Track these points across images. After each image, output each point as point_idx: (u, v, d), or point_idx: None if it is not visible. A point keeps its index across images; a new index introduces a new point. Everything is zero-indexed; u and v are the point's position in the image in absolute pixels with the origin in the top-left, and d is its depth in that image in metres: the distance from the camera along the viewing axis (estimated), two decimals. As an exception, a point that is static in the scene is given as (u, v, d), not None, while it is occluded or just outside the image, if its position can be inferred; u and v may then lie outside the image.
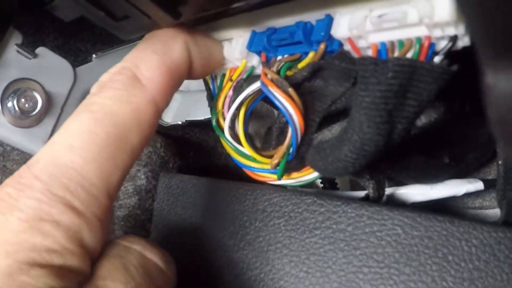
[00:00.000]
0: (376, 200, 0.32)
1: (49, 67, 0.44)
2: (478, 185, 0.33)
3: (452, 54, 0.23)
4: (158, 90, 0.27)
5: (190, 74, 0.30)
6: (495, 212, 0.35)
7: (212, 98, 0.34)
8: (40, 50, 0.44)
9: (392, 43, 0.24)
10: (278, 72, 0.29)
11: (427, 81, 0.23)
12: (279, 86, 0.28)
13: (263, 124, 0.42)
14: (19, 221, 0.23)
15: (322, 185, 0.43)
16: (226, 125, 0.32)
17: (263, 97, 0.31)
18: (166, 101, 0.28)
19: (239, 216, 0.35)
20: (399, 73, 0.23)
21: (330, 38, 0.27)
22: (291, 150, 0.29)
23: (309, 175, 0.31)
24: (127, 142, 0.26)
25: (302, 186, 0.32)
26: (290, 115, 0.28)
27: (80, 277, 0.24)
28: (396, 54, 0.24)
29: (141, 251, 0.27)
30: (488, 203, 0.36)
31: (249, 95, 0.31)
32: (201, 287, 0.36)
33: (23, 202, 0.24)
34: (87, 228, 0.25)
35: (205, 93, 0.35)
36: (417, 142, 0.30)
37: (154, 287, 0.26)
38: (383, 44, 0.24)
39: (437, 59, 0.23)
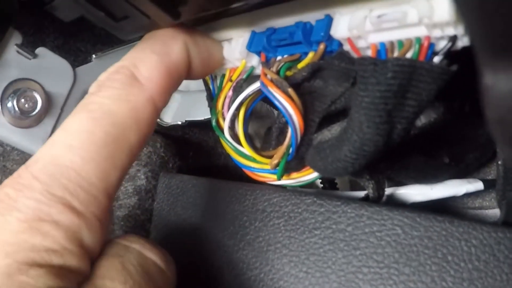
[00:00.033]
0: (376, 200, 0.32)
1: (49, 67, 0.44)
2: (478, 185, 0.33)
3: (451, 54, 0.23)
4: (157, 90, 0.27)
5: (189, 74, 0.30)
6: (495, 212, 0.35)
7: (212, 98, 0.34)
8: (40, 50, 0.44)
9: (391, 43, 0.24)
10: (277, 72, 0.29)
11: (427, 81, 0.23)
12: (279, 86, 0.28)
13: (262, 124, 0.42)
14: (18, 221, 0.23)
15: (321, 185, 0.43)
16: (226, 125, 0.32)
17: (262, 97, 0.31)
18: (164, 100, 0.28)
19: (238, 216, 0.35)
20: (399, 73, 0.23)
21: (329, 38, 0.27)
22: (290, 150, 0.29)
23: (309, 175, 0.31)
24: (126, 141, 0.26)
25: (301, 186, 0.32)
26: (290, 115, 0.28)
27: (79, 276, 0.24)
28: (396, 54, 0.24)
29: (140, 250, 0.27)
30: (487, 203, 0.36)
31: (249, 95, 0.31)
32: (201, 287, 0.36)
33: (22, 202, 0.24)
34: (86, 228, 0.25)
35: (204, 93, 0.35)
36: (416, 142, 0.30)
37: (154, 287, 0.26)
38: (382, 44, 0.24)
39: (436, 59, 0.23)
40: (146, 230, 0.45)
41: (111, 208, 0.28)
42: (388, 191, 0.33)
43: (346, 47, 0.27)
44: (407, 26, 0.24)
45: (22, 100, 0.42)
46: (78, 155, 0.25)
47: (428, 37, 0.23)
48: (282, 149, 0.30)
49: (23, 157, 0.47)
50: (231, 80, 0.32)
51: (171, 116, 0.50)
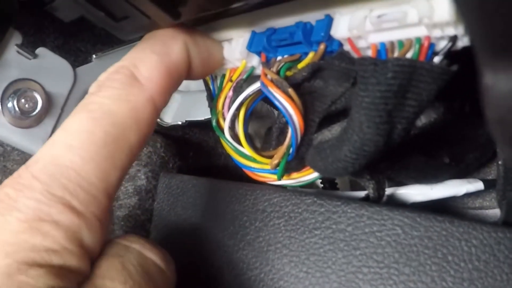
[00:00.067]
0: (376, 200, 0.32)
1: (49, 67, 0.44)
2: (478, 185, 0.33)
3: (451, 54, 0.23)
4: (157, 90, 0.27)
5: (189, 74, 0.30)
6: (495, 212, 0.35)
7: (212, 98, 0.34)
8: (40, 50, 0.44)
9: (391, 43, 0.24)
10: (278, 73, 0.29)
11: (427, 81, 0.23)
12: (279, 87, 0.28)
13: (263, 124, 0.42)
14: (18, 221, 0.23)
15: (322, 185, 0.43)
16: (226, 126, 0.32)
17: (263, 97, 0.31)
18: (164, 100, 0.28)
19: (239, 216, 0.35)
20: (399, 73, 0.23)
21: (330, 39, 0.27)
22: (291, 150, 0.29)
23: (309, 175, 0.31)
24: (126, 141, 0.26)
25: (302, 186, 0.32)
26: (290, 116, 0.28)
27: (79, 276, 0.24)
28: (396, 54, 0.24)
29: (140, 250, 0.27)
30: (488, 203, 0.36)
31: (249, 96, 0.31)
32: (201, 287, 0.36)
33: (22, 202, 0.24)
34: (86, 228, 0.25)
35: (204, 93, 0.35)
36: (417, 142, 0.30)
37: (153, 286, 0.26)
38: (382, 44, 0.24)
39: (436, 59, 0.23)
40: (146, 230, 0.45)
41: (111, 208, 0.28)
42: (388, 191, 0.33)
43: (346, 47, 0.27)
44: (407, 26, 0.24)
45: (23, 100, 0.42)
46: (78, 155, 0.25)
47: (428, 37, 0.23)
48: (282, 149, 0.30)
49: (24, 157, 0.47)
50: (231, 80, 0.32)
51: (171, 116, 0.50)
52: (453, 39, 0.23)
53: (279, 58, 0.29)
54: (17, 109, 0.42)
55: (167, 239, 0.41)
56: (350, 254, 0.29)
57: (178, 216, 0.40)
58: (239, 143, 0.32)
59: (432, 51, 0.24)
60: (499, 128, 0.17)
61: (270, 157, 0.31)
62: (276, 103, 0.28)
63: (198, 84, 0.48)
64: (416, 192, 0.33)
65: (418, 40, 0.23)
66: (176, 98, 0.51)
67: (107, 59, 0.48)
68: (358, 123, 0.24)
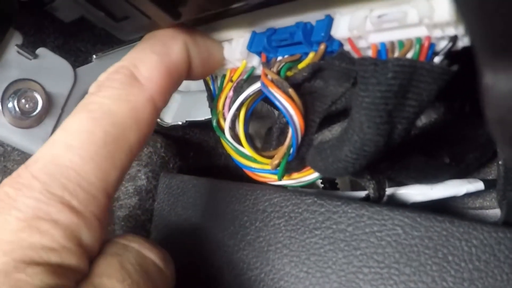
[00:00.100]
0: (377, 200, 0.32)
1: (50, 67, 0.44)
2: (478, 185, 0.33)
3: (452, 54, 0.23)
4: (157, 89, 0.27)
5: (189, 74, 0.30)
6: (496, 212, 0.35)
7: (212, 98, 0.34)
8: (41, 50, 0.44)
9: (392, 43, 0.24)
10: (278, 73, 0.29)
11: (427, 82, 0.23)
12: (279, 87, 0.28)
13: (263, 124, 0.42)
14: (17, 220, 0.23)
15: (322, 185, 0.43)
16: (226, 126, 0.32)
17: (263, 97, 0.31)
18: (164, 100, 0.28)
19: (239, 216, 0.35)
20: (399, 74, 0.23)
21: (330, 39, 0.27)
22: (291, 150, 0.29)
23: (310, 175, 0.31)
24: (126, 141, 0.26)
25: (302, 186, 0.32)
26: (291, 116, 0.28)
27: (78, 275, 0.24)
28: (396, 54, 0.24)
29: (139, 249, 0.27)
30: (488, 203, 0.36)
31: (250, 96, 0.31)
32: (202, 287, 0.36)
33: (21, 201, 0.24)
34: (85, 227, 0.25)
35: (205, 93, 0.35)
36: (417, 142, 0.30)
37: (152, 286, 0.26)
38: (383, 44, 0.24)
39: (437, 59, 0.23)
40: (147, 230, 0.45)
41: (110, 208, 0.28)
42: (388, 191, 0.33)
43: (347, 47, 0.27)
44: (407, 26, 0.24)
45: (23, 100, 0.42)
46: (77, 154, 0.25)
47: (428, 37, 0.23)
48: (282, 149, 0.30)
49: (24, 157, 0.47)
50: (231, 81, 0.32)
51: (172, 116, 0.50)
52: (454, 39, 0.23)
53: (279, 58, 0.29)
54: (17, 109, 0.42)
55: (167, 239, 0.41)
56: (351, 254, 0.29)
57: (179, 216, 0.40)
58: (240, 143, 0.32)
59: (432, 51, 0.24)
60: (499, 128, 0.17)
61: (271, 157, 0.31)
62: (277, 103, 0.28)
63: (199, 84, 0.48)
64: (416, 192, 0.33)
65: (419, 40, 0.23)
66: (176, 98, 0.51)
67: (107, 59, 0.48)
68: (359, 123, 0.24)
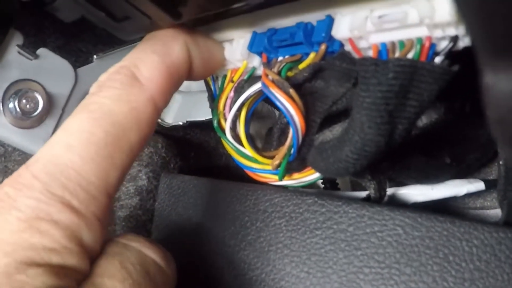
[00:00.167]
0: (377, 200, 0.32)
1: (50, 68, 0.44)
2: (479, 185, 0.33)
3: (452, 54, 0.23)
4: (157, 90, 0.27)
5: (190, 74, 0.30)
6: (496, 212, 0.35)
7: (213, 99, 0.34)
8: (41, 51, 0.44)
9: (393, 43, 0.24)
10: (279, 73, 0.29)
11: (428, 82, 0.23)
12: (280, 87, 0.28)
13: (264, 125, 0.42)
14: (18, 220, 0.23)
15: (323, 185, 0.43)
16: (227, 126, 0.32)
17: (264, 98, 0.31)
18: (165, 101, 0.28)
19: (240, 216, 0.35)
20: (400, 74, 0.23)
21: (331, 39, 0.27)
22: (292, 150, 0.29)
23: (311, 175, 0.31)
24: (126, 141, 0.26)
25: (303, 186, 0.32)
26: (291, 116, 0.28)
27: (79, 275, 0.24)
28: (397, 54, 0.24)
29: (139, 249, 0.27)
30: (489, 203, 0.36)
31: (250, 96, 0.31)
32: (202, 287, 0.36)
33: (22, 201, 0.24)
34: (85, 227, 0.25)
35: (205, 94, 0.35)
36: (418, 142, 0.30)
37: (153, 285, 0.26)
38: (383, 44, 0.24)
39: (438, 59, 0.23)
40: (148, 231, 0.45)
41: (111, 208, 0.28)
42: (389, 191, 0.33)
43: (347, 47, 0.27)
44: (408, 26, 0.24)
45: (24, 100, 0.42)
46: (78, 155, 0.25)
47: (429, 38, 0.23)
48: (283, 149, 0.30)
49: (25, 157, 0.47)
50: (232, 81, 0.32)
51: (173, 116, 0.50)
52: (454, 39, 0.23)
53: (280, 58, 0.29)
54: (18, 109, 0.42)
55: (168, 239, 0.41)
56: (351, 254, 0.29)
57: (179, 216, 0.40)
58: (240, 143, 0.32)
59: (433, 51, 0.24)
60: (499, 128, 0.17)
61: (271, 157, 0.31)
62: (277, 103, 0.28)
63: (199, 85, 0.48)
64: (417, 192, 0.33)
65: (419, 40, 0.23)
66: (177, 99, 0.51)
67: (108, 60, 0.48)
68: (359, 123, 0.24)
